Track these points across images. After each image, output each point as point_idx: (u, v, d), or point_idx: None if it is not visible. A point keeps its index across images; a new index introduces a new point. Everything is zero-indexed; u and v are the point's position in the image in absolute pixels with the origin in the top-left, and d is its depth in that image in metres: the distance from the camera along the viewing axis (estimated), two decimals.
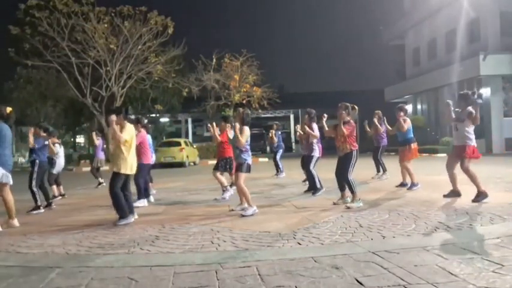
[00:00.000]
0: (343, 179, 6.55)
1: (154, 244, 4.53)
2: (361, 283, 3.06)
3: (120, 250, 4.34)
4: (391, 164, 10.80)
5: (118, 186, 5.87)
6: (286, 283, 3.14)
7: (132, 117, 6.50)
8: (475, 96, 6.56)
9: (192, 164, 23.74)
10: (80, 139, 45.71)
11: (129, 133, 5.99)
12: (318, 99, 36.90)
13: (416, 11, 29.12)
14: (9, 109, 5.74)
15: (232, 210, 6.39)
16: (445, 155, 20.95)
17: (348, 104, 6.63)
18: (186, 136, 41.52)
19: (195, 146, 26.56)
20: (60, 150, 9.18)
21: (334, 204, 6.59)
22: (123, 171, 5.88)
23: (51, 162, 8.96)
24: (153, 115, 34.03)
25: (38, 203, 7.33)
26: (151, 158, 7.93)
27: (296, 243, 4.29)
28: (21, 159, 38.25)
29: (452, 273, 3.16)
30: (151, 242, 4.61)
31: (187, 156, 22.73)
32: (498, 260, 3.43)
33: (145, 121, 7.96)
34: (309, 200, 7.37)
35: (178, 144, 23.08)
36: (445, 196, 6.78)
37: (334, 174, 6.73)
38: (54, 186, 9.19)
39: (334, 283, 3.09)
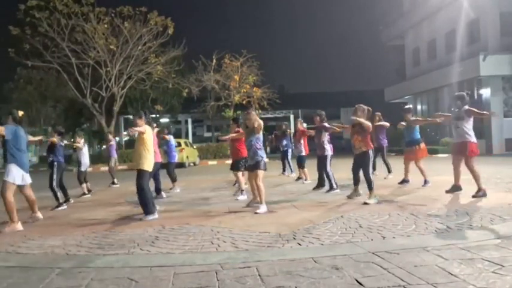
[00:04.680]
0: (365, 177, 6.81)
1: (154, 244, 4.53)
2: (361, 284, 3.06)
3: (120, 251, 4.34)
4: (396, 164, 10.72)
5: (146, 183, 6.24)
6: (286, 284, 3.14)
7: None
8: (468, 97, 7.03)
9: (192, 164, 23.73)
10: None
11: (148, 132, 6.33)
12: (318, 99, 36.96)
13: (415, 11, 29.11)
14: (21, 113, 6.06)
15: (256, 213, 6.21)
16: (446, 155, 20.96)
17: (364, 107, 6.96)
18: (186, 136, 41.51)
19: (195, 147, 26.56)
20: (84, 148, 9.94)
21: (365, 204, 6.61)
22: (147, 168, 6.22)
23: (78, 161, 9.82)
24: (153, 115, 34.04)
25: (60, 200, 7.78)
26: (159, 158, 8.08)
27: (296, 244, 4.29)
28: None
29: (452, 274, 3.16)
30: (151, 243, 4.61)
31: (187, 157, 22.72)
32: (498, 260, 3.43)
33: (155, 125, 8.59)
34: (309, 200, 7.37)
35: (178, 144, 23.06)
36: (447, 192, 7.05)
37: (351, 169, 7.09)
38: (84, 184, 9.78)
39: (334, 284, 3.09)
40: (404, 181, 8.87)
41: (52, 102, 33.46)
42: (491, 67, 21.16)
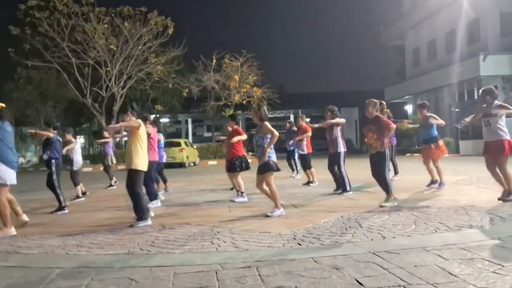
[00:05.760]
0: (381, 179, 6.37)
1: (154, 244, 4.53)
2: (361, 284, 3.06)
3: (120, 250, 4.34)
4: (403, 163, 10.63)
5: (139, 184, 5.81)
6: (286, 284, 3.14)
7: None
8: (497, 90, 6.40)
9: (192, 164, 23.74)
10: (80, 139, 45.82)
11: (142, 128, 5.92)
12: (318, 99, 36.95)
13: (415, 11, 29.15)
14: (0, 105, 5.47)
15: (268, 216, 5.88)
16: (446, 155, 20.93)
17: (375, 101, 6.50)
18: (186, 136, 41.54)
19: (195, 147, 26.57)
20: (76, 146, 9.31)
21: (381, 207, 6.19)
22: (141, 168, 5.79)
23: (70, 160, 9.07)
24: (153, 115, 34.03)
25: (63, 203, 7.24)
26: (157, 156, 7.89)
27: (296, 244, 4.29)
28: (21, 160, 38.19)
29: (452, 274, 3.16)
30: (151, 243, 4.61)
31: (187, 157, 22.73)
32: (498, 260, 3.42)
33: (152, 117, 7.95)
34: (309, 201, 7.37)
35: (179, 144, 23.08)
36: (499, 199, 6.23)
37: (371, 174, 6.55)
38: (79, 186, 9.21)
39: (334, 283, 3.09)
40: (432, 183, 8.21)
41: (52, 102, 33.46)
42: (491, 67, 21.18)
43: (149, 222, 5.68)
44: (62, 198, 7.24)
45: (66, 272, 3.69)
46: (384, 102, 6.57)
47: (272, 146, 5.99)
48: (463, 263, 3.41)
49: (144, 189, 6.48)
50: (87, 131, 40.01)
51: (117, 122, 30.65)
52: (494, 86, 6.45)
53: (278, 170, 5.97)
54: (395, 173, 10.14)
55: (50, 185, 7.44)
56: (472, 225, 4.77)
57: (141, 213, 5.68)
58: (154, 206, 7.23)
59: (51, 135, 7.41)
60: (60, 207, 7.21)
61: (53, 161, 7.38)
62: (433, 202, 6.51)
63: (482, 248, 3.84)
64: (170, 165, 21.59)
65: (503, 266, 3.27)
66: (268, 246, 4.27)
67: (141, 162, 5.80)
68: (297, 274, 3.33)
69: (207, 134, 48.91)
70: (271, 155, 5.96)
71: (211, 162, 25.91)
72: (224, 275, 3.39)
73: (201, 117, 39.93)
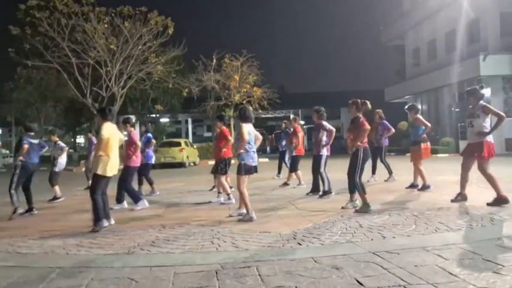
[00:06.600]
0: (349, 180, 6.26)
1: (154, 244, 4.53)
2: (361, 283, 3.06)
3: (120, 250, 4.35)
4: (397, 164, 10.58)
5: (99, 190, 5.69)
6: (286, 283, 3.14)
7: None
8: (483, 90, 6.33)
9: (192, 164, 23.75)
10: (80, 139, 45.82)
11: (107, 131, 5.69)
12: (318, 99, 36.93)
13: (415, 11, 29.13)
14: None
15: (230, 216, 6.04)
16: (446, 155, 20.95)
17: (357, 100, 6.41)
18: (186, 136, 41.55)
19: (195, 147, 26.57)
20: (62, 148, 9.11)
21: (343, 208, 6.21)
22: (108, 173, 5.67)
23: (53, 161, 8.93)
24: (153, 115, 34.04)
25: (16, 204, 6.99)
26: (139, 160, 7.67)
27: (296, 244, 4.29)
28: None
29: (452, 274, 3.16)
30: (152, 243, 4.61)
31: (188, 157, 22.75)
32: (498, 260, 3.43)
33: (133, 121, 7.72)
34: (310, 201, 7.37)
35: (179, 144, 23.08)
36: (452, 201, 6.35)
37: (347, 174, 6.42)
38: (57, 187, 9.01)
39: (334, 283, 3.09)
40: (412, 186, 8.25)
41: (52, 102, 33.48)
42: (491, 67, 21.16)
43: (104, 224, 5.54)
44: (14, 200, 6.99)
45: (66, 271, 3.69)
46: (368, 102, 6.46)
47: (249, 150, 5.85)
48: (463, 263, 3.42)
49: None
50: (87, 130, 39.99)
51: (117, 122, 30.72)
52: (479, 86, 6.39)
53: (247, 174, 5.85)
54: (389, 172, 9.99)
55: (25, 187, 7.31)
56: (472, 225, 4.77)
57: (96, 215, 5.56)
58: (141, 207, 7.16)
59: (22, 157, 7.18)
60: (15, 210, 6.98)
61: (20, 164, 7.19)
62: (433, 202, 6.51)
63: (482, 248, 3.84)
64: (171, 165, 21.64)
65: (503, 266, 3.27)
66: (268, 246, 4.27)
67: (106, 168, 5.65)
68: (297, 274, 3.33)
69: (207, 134, 48.93)
70: (245, 158, 5.83)
71: (211, 162, 25.87)
72: (224, 275, 3.39)
73: (201, 117, 39.93)
